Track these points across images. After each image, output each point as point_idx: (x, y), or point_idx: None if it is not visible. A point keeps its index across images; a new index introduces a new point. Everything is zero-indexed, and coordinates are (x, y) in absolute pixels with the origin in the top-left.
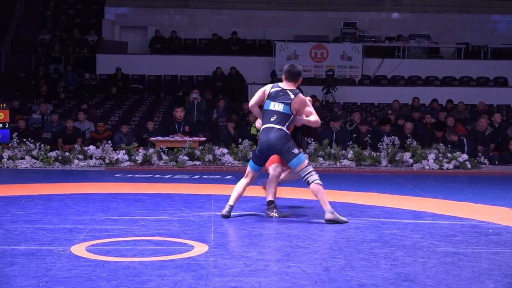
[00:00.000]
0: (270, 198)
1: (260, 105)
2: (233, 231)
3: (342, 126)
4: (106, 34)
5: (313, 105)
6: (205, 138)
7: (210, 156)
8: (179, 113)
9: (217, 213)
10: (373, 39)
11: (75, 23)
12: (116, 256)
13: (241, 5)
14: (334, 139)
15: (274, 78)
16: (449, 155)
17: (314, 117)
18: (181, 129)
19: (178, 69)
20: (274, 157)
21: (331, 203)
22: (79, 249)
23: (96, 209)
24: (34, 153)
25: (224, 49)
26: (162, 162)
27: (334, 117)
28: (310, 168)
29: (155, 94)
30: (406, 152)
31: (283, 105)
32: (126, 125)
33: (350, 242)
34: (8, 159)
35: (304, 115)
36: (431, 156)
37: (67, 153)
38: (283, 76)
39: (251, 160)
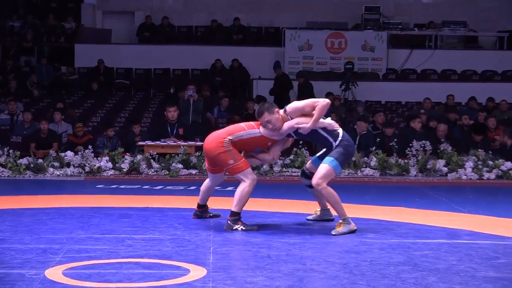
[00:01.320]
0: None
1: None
2: (236, 252)
3: (368, 129)
4: (86, 20)
5: (335, 104)
6: (202, 143)
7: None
8: (172, 113)
9: (216, 231)
10: (400, 27)
11: (50, 7)
12: (98, 282)
13: None
14: (357, 143)
15: (277, 70)
16: (491, 163)
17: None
18: (174, 132)
19: (170, 62)
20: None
21: (350, 219)
22: (55, 273)
23: (75, 226)
24: (2, 160)
25: (225, 38)
26: (152, 170)
27: (364, 117)
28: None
29: (144, 90)
30: (440, 160)
31: None
32: (110, 128)
33: (374, 265)
34: None
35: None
36: (469, 164)
37: (40, 160)
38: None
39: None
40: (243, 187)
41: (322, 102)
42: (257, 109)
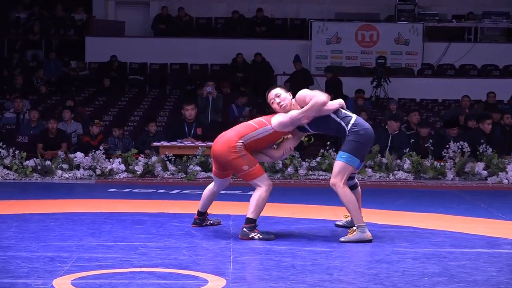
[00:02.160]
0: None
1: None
2: (257, 262)
3: (401, 129)
4: (98, 11)
5: (358, 103)
6: None
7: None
8: (190, 111)
9: (237, 239)
10: (437, 18)
11: None
12: None
13: None
14: (389, 144)
15: (297, 64)
16: None
17: None
18: (192, 131)
19: (188, 56)
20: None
21: (380, 226)
22: (63, 283)
23: (85, 232)
24: (7, 161)
25: (247, 31)
26: (168, 173)
27: (395, 116)
28: None
29: (159, 87)
30: (479, 162)
31: None
32: (116, 127)
33: (407, 276)
34: None
35: None
36: (511, 167)
37: (48, 162)
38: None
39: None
40: (260, 193)
41: (317, 99)
42: (268, 89)
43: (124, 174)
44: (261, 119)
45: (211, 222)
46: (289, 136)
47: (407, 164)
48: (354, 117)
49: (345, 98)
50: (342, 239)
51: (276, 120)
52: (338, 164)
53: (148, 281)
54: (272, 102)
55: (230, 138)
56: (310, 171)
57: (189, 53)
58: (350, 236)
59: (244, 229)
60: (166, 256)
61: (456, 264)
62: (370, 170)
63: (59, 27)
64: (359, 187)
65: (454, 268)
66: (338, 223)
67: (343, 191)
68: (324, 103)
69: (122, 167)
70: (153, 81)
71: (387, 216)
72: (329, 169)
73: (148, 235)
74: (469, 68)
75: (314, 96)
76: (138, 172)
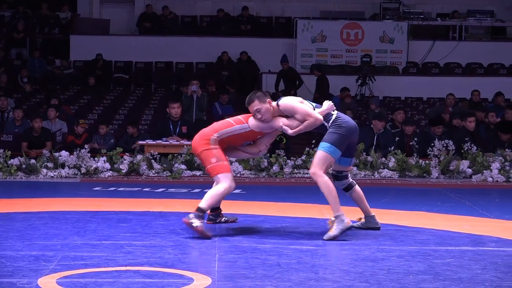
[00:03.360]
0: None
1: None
2: (243, 260)
3: (386, 127)
4: (83, 10)
5: (345, 101)
6: None
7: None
8: (176, 109)
9: (222, 237)
10: (422, 16)
11: None
12: None
13: None
14: (375, 142)
15: (284, 65)
16: None
17: None
18: (177, 130)
19: (173, 54)
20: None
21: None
22: (48, 282)
23: (70, 231)
24: None
25: (232, 29)
26: (153, 172)
27: (379, 115)
28: None
29: (145, 85)
30: (463, 160)
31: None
32: (102, 125)
33: (392, 274)
34: None
35: None
36: (496, 166)
37: (33, 161)
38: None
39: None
40: (219, 187)
41: (314, 119)
42: (248, 97)
43: (109, 173)
44: (240, 117)
45: (226, 219)
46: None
47: (392, 162)
48: (335, 113)
49: (330, 96)
50: (325, 237)
51: (255, 122)
52: (318, 154)
53: (133, 280)
54: (254, 115)
55: (205, 132)
56: (295, 169)
57: (174, 52)
58: (332, 233)
59: (191, 214)
60: (152, 255)
61: (441, 262)
62: (355, 168)
63: (44, 25)
64: (356, 185)
65: (439, 266)
66: (353, 225)
67: (323, 181)
68: (319, 123)
69: (107, 165)
70: (138, 79)
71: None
72: None
73: (134, 234)
74: (453, 66)
75: (307, 115)
76: (123, 171)
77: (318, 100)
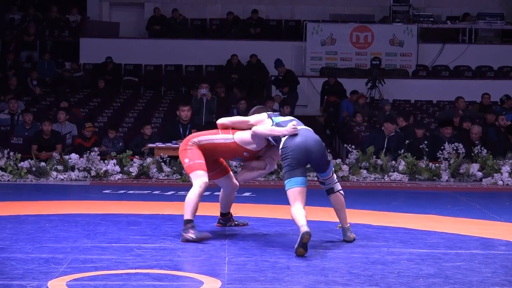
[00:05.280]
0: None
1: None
2: (253, 263)
3: (396, 130)
4: (92, 13)
5: (359, 103)
6: None
7: (233, 163)
8: (186, 112)
9: (232, 240)
10: (431, 19)
11: None
12: None
13: None
14: (385, 145)
15: (281, 69)
16: None
17: None
18: (187, 133)
19: (183, 58)
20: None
21: (375, 227)
22: (58, 285)
23: (80, 234)
24: (1, 163)
25: (242, 32)
26: (163, 175)
27: (391, 118)
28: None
29: (154, 88)
30: (474, 164)
31: None
32: (112, 129)
33: (402, 277)
34: None
35: None
36: (506, 169)
37: (42, 163)
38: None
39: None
40: (191, 192)
41: (253, 132)
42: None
43: (119, 176)
44: (230, 130)
45: (236, 222)
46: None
47: (402, 166)
48: (283, 140)
49: (342, 99)
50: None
51: (241, 136)
52: (287, 194)
53: (143, 283)
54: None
55: (189, 137)
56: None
57: (183, 55)
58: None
59: (183, 231)
60: (161, 258)
61: (451, 265)
62: (365, 171)
63: (54, 28)
64: (337, 192)
65: (449, 269)
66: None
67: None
68: (257, 136)
69: (117, 168)
70: (147, 82)
71: (382, 217)
72: None
73: (143, 237)
74: (463, 69)
75: (248, 122)
76: (133, 174)
77: (332, 103)
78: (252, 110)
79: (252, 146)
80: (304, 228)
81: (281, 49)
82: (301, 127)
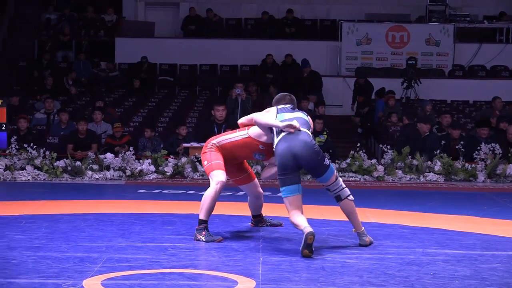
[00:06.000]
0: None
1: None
2: (287, 263)
3: (432, 130)
4: (128, 12)
5: (389, 104)
6: None
7: (259, 167)
8: (220, 112)
9: (266, 240)
10: (468, 19)
11: None
12: None
13: None
14: (421, 146)
15: (305, 69)
16: None
17: None
18: (222, 132)
19: (218, 57)
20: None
21: (411, 228)
22: (93, 284)
23: (114, 233)
24: (37, 162)
25: (277, 32)
26: (198, 174)
27: (425, 118)
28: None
29: (189, 88)
30: (510, 164)
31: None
32: (148, 128)
33: (437, 279)
34: (5, 170)
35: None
36: None
37: (78, 163)
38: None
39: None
40: (207, 191)
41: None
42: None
43: (154, 175)
44: (247, 127)
45: (268, 223)
46: None
47: (438, 166)
48: (276, 141)
49: (375, 99)
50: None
51: (253, 128)
52: (284, 201)
53: (177, 282)
54: None
55: (209, 139)
56: (340, 172)
57: (218, 54)
58: (369, 241)
59: (196, 230)
60: (196, 257)
61: (487, 267)
62: (400, 171)
63: (89, 28)
64: (345, 198)
65: (485, 271)
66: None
67: (291, 220)
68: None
69: (152, 168)
70: (182, 82)
71: (418, 218)
72: (359, 170)
73: (178, 236)
74: (500, 69)
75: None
76: (168, 173)
77: (362, 103)
78: (274, 100)
79: (264, 138)
80: (307, 229)
81: (316, 49)
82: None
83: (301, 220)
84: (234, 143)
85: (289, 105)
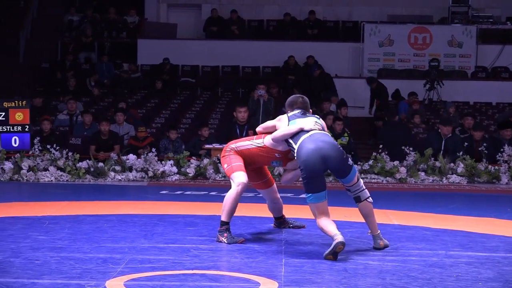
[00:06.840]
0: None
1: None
2: (310, 265)
3: (454, 132)
4: (150, 14)
5: (413, 107)
6: None
7: (281, 169)
8: (242, 113)
9: (289, 242)
10: (491, 20)
11: (111, 0)
12: None
13: None
14: (443, 147)
15: (316, 71)
16: None
17: None
18: (244, 134)
19: (240, 59)
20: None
21: (433, 230)
22: (116, 285)
23: (137, 234)
24: (60, 163)
25: (299, 33)
26: (220, 175)
27: (445, 120)
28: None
29: (211, 90)
30: None
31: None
32: (173, 129)
33: (461, 281)
34: (28, 171)
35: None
36: None
37: (101, 164)
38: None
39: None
40: (228, 192)
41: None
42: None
43: (176, 177)
44: (263, 135)
45: (291, 225)
46: None
47: (460, 168)
48: (295, 148)
49: (397, 101)
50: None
51: (269, 137)
52: (309, 207)
53: (200, 283)
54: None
55: (228, 143)
56: (362, 174)
57: (240, 56)
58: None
59: (218, 231)
60: (218, 259)
61: (511, 270)
62: (423, 173)
63: (112, 29)
64: (365, 200)
65: (509, 273)
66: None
67: (318, 224)
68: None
69: (174, 169)
70: (204, 83)
71: (441, 220)
72: (382, 172)
73: (200, 237)
74: None
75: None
76: (190, 175)
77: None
78: (286, 104)
79: (280, 147)
80: (338, 237)
81: (338, 51)
82: (315, 131)
83: (331, 227)
84: (251, 150)
85: (300, 111)
